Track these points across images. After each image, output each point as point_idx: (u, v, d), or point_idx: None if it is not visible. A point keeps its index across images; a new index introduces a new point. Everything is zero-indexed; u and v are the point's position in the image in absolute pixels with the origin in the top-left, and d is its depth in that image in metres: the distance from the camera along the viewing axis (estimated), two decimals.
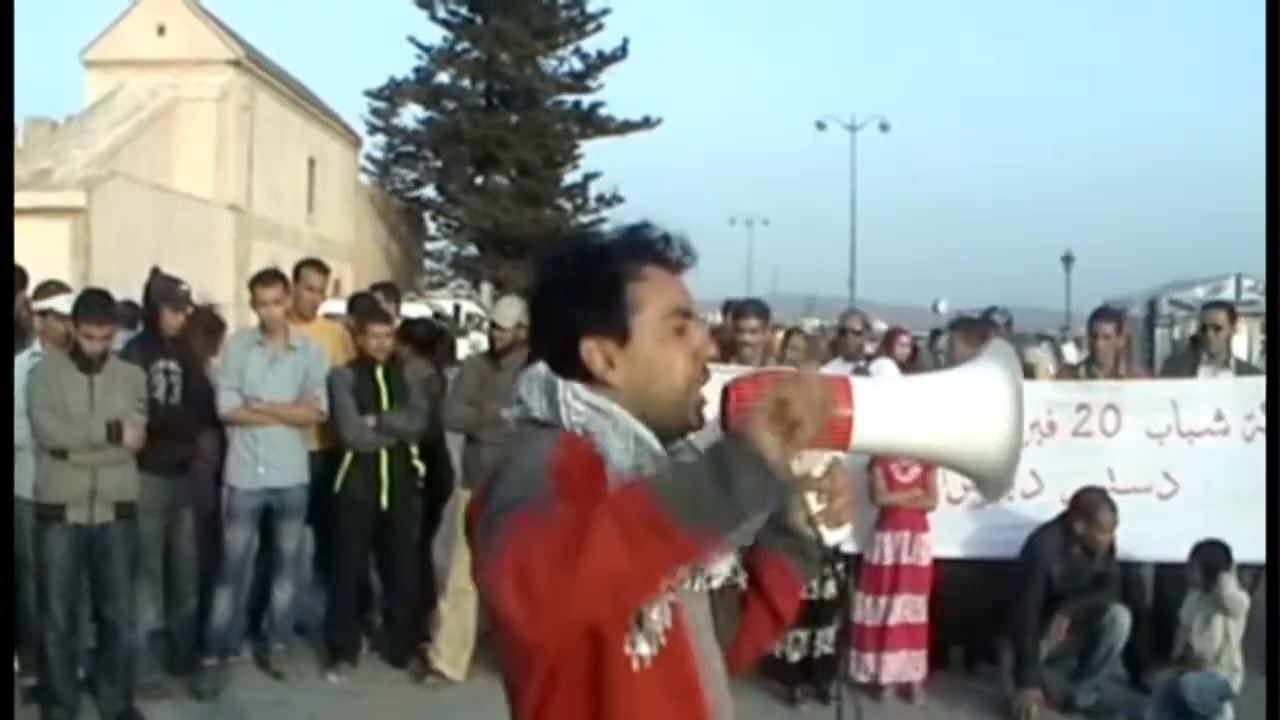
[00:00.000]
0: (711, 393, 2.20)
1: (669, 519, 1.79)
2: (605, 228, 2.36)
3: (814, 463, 2.23)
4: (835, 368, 8.59)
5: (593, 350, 2.17)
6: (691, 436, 2.25)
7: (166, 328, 7.62)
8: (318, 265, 8.92)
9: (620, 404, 2.15)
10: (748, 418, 1.92)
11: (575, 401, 2.14)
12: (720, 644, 2.25)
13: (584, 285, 2.19)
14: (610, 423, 2.13)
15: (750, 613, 2.35)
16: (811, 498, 2.27)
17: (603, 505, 1.81)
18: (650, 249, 2.24)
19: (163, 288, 7.86)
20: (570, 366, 2.17)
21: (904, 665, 7.52)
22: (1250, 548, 7.39)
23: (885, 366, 9.16)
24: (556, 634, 1.80)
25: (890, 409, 2.11)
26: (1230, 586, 7.14)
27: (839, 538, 2.32)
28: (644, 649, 2.06)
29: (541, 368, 2.20)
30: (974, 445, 2.13)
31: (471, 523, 2.04)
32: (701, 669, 2.15)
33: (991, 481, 2.21)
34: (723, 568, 2.21)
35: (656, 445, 2.14)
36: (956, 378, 2.23)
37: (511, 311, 7.94)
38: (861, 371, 8.17)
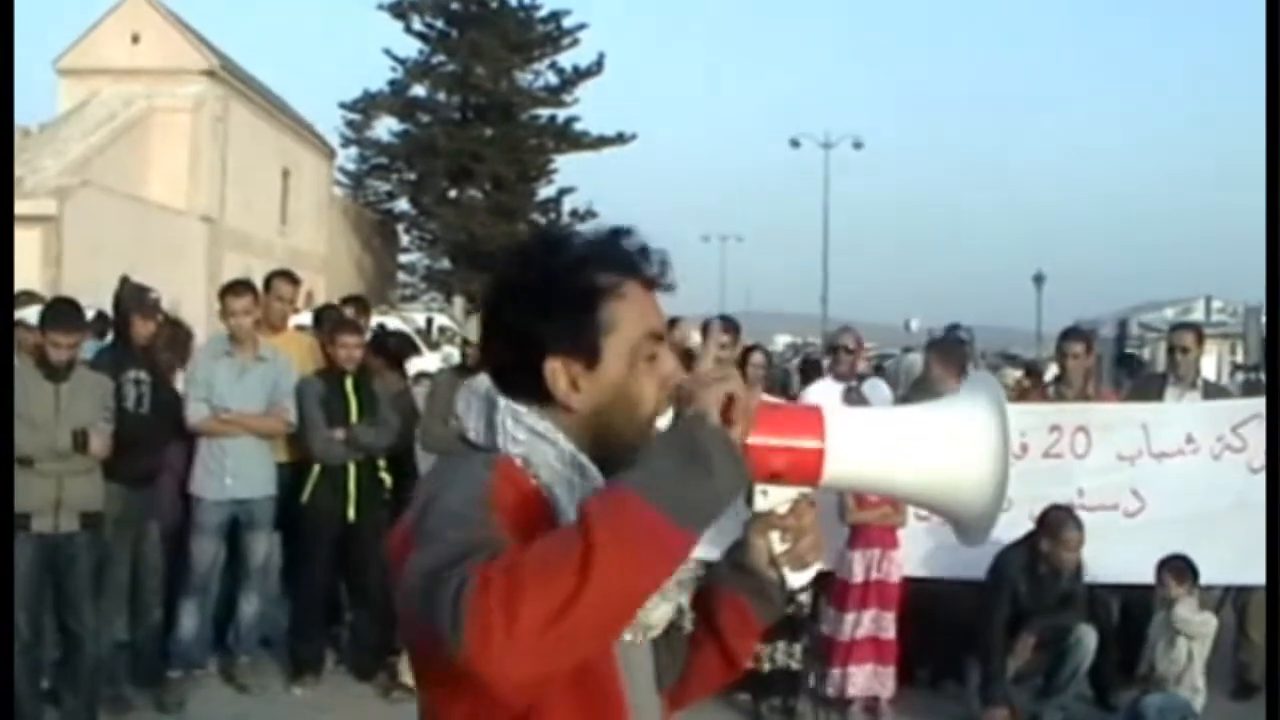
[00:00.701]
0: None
1: (665, 522, 1.66)
2: (581, 228, 2.09)
3: (780, 500, 2.05)
4: (826, 387, 8.57)
5: (557, 371, 1.93)
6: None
7: (137, 336, 7.59)
8: (288, 276, 8.89)
9: (569, 428, 1.94)
10: (699, 409, 1.78)
11: (515, 428, 1.92)
12: (662, 683, 2.08)
13: (555, 296, 1.93)
14: (554, 451, 1.92)
15: (701, 653, 2.16)
16: (775, 537, 2.08)
17: (587, 522, 1.64)
18: (630, 262, 1.98)
19: (133, 295, 7.83)
20: (523, 382, 1.94)
21: (870, 680, 7.50)
22: (1215, 569, 7.43)
23: (878, 386, 9.16)
24: (552, 674, 1.65)
25: (866, 444, 2.00)
26: (1183, 609, 7.19)
27: (803, 580, 2.12)
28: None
29: (483, 382, 1.99)
30: (957, 489, 2.01)
31: (396, 548, 1.82)
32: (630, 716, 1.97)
33: (973, 528, 2.07)
34: (664, 613, 2.00)
35: (599, 479, 1.91)
36: (940, 413, 2.10)
37: None
38: (854, 392, 8.17)
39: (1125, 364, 18.67)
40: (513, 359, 1.96)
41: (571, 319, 1.93)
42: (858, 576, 7.48)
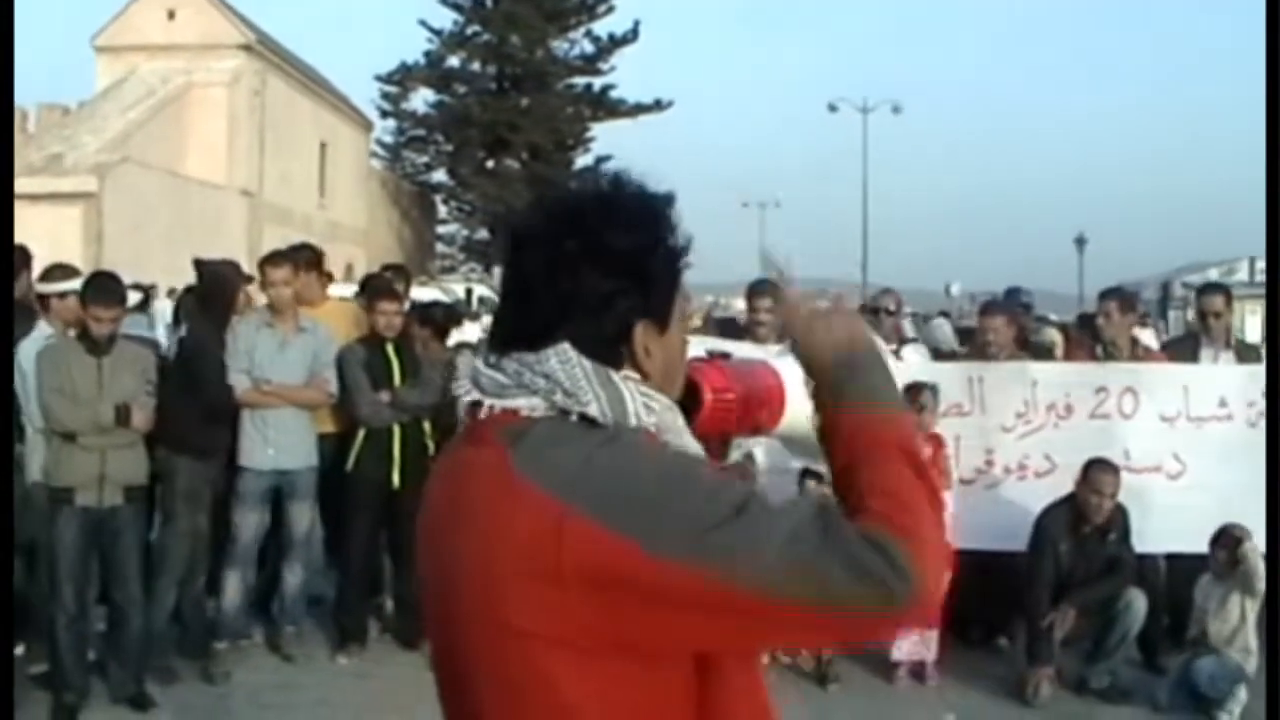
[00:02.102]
0: None
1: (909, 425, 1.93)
2: (620, 185, 1.96)
3: (750, 447, 2.23)
4: None
5: (640, 336, 1.87)
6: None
7: (241, 309, 7.74)
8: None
9: None
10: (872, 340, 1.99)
11: (642, 396, 1.84)
12: None
13: (650, 263, 1.88)
14: (673, 416, 1.90)
15: None
16: None
17: (909, 451, 1.85)
18: (678, 226, 1.95)
19: (233, 271, 8.05)
20: (599, 350, 1.85)
21: (915, 645, 7.47)
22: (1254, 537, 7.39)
23: (920, 351, 9.08)
24: None
25: (797, 391, 2.12)
26: (1254, 557, 7.10)
27: None
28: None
29: (574, 352, 1.83)
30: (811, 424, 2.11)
31: (611, 556, 1.66)
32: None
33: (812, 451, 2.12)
34: None
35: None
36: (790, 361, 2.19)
37: None
38: (895, 355, 8.11)
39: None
40: (595, 325, 1.85)
41: (664, 285, 1.90)
42: None
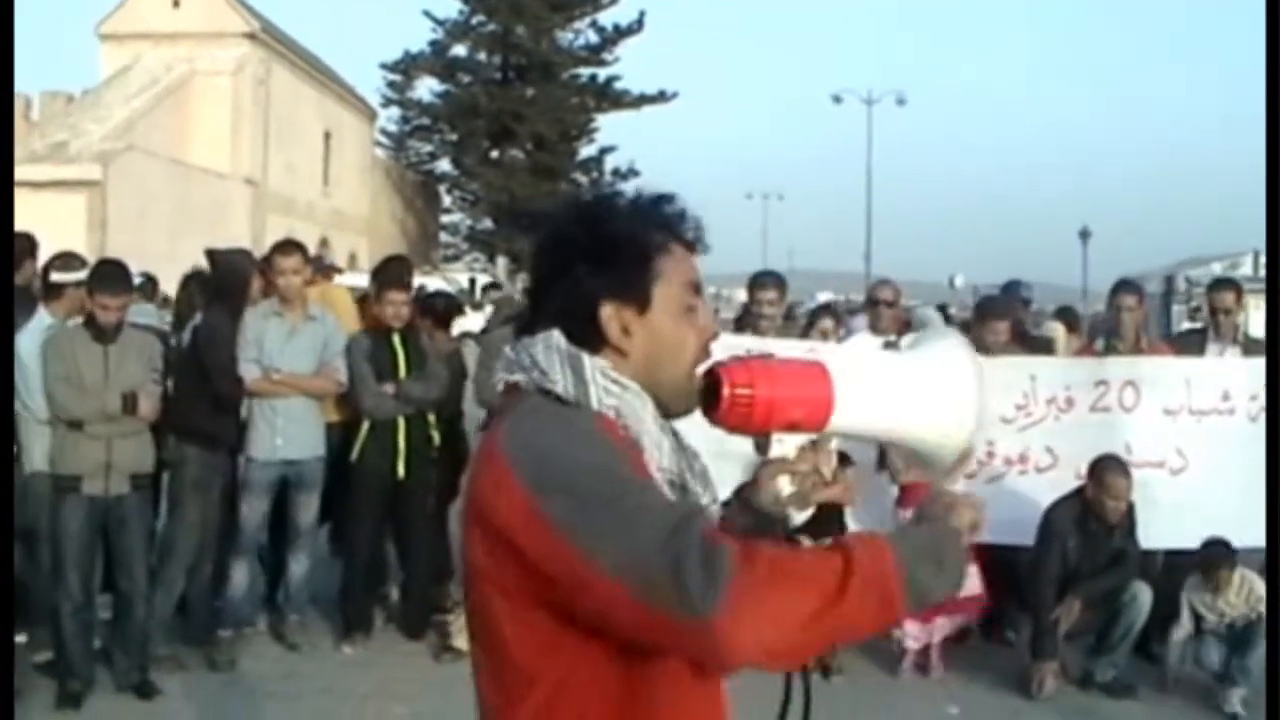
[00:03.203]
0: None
1: (900, 596, 1.83)
2: (626, 192, 2.24)
3: (790, 447, 2.22)
4: (864, 340, 8.49)
5: (611, 316, 2.09)
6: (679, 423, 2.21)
7: (253, 299, 7.77)
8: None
9: (629, 377, 2.09)
10: (958, 526, 2.00)
11: (604, 380, 2.05)
12: None
13: (609, 247, 2.10)
14: (640, 403, 2.07)
15: None
16: (785, 480, 2.26)
17: (851, 557, 1.80)
18: (672, 223, 2.17)
19: (246, 259, 8.07)
20: (580, 332, 2.09)
21: (920, 631, 7.47)
22: (1255, 532, 7.39)
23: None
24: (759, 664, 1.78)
25: (864, 392, 2.13)
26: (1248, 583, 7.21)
27: (803, 517, 2.31)
28: None
29: (558, 337, 2.08)
30: (938, 434, 2.16)
31: (516, 514, 1.90)
32: None
33: (941, 466, 2.21)
34: None
35: (670, 436, 2.12)
36: (922, 360, 2.21)
37: None
38: (892, 346, 8.09)
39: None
40: (569, 310, 2.09)
41: (626, 267, 2.10)
42: None
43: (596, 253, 2.10)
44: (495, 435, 2.05)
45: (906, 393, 2.14)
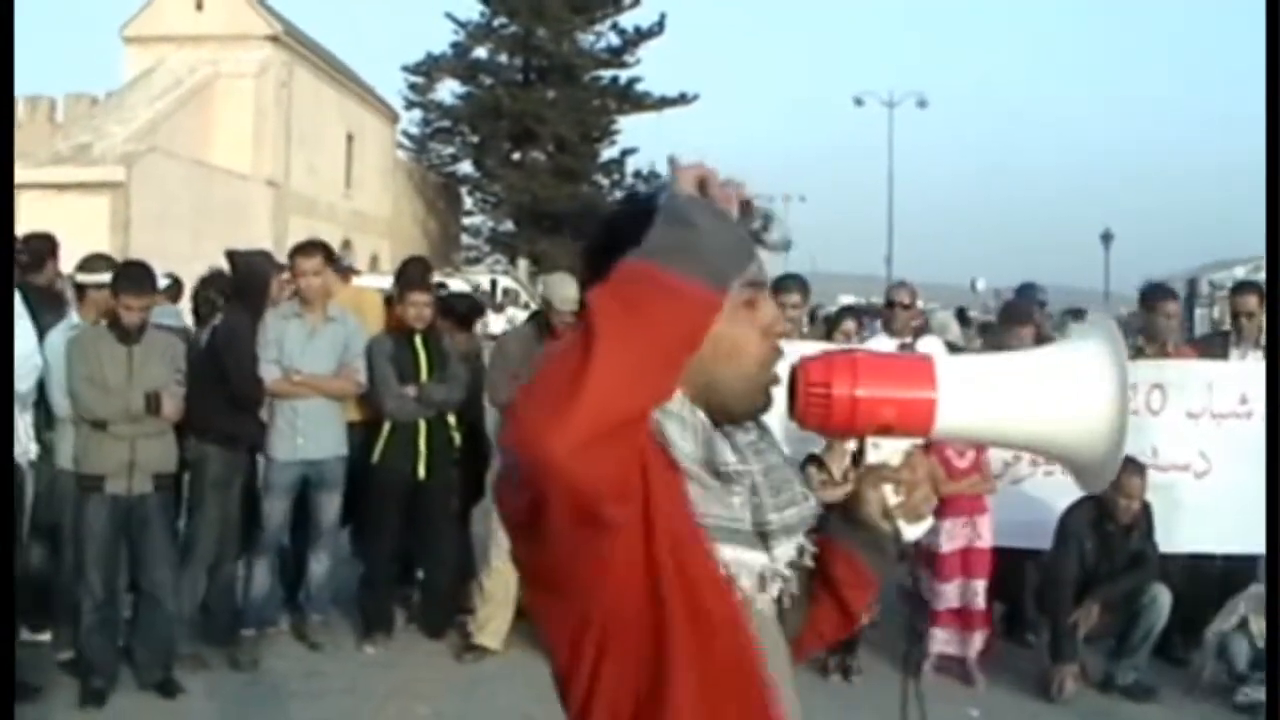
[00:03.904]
0: (782, 371, 2.03)
1: (653, 268, 1.66)
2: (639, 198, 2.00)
3: (892, 452, 2.04)
4: (880, 343, 8.47)
5: None
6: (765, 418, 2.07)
7: (274, 300, 7.82)
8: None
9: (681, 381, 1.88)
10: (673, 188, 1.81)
11: None
12: (788, 635, 2.10)
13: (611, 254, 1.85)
14: (676, 399, 1.91)
15: (819, 607, 2.15)
16: (889, 490, 2.06)
17: (588, 298, 1.66)
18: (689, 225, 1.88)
19: (266, 261, 8.09)
20: None
21: (958, 646, 7.46)
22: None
23: (933, 344, 9.03)
24: (594, 456, 1.60)
25: (978, 391, 1.96)
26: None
27: (917, 532, 2.10)
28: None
29: None
30: (1075, 431, 1.95)
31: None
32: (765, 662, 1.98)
33: (1092, 471, 2.01)
34: (786, 550, 2.02)
35: (711, 429, 1.96)
36: (1054, 355, 2.04)
37: (568, 291, 7.69)
38: (908, 349, 8.08)
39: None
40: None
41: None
42: (944, 546, 7.41)
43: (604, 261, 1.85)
44: None
45: (1034, 389, 1.97)
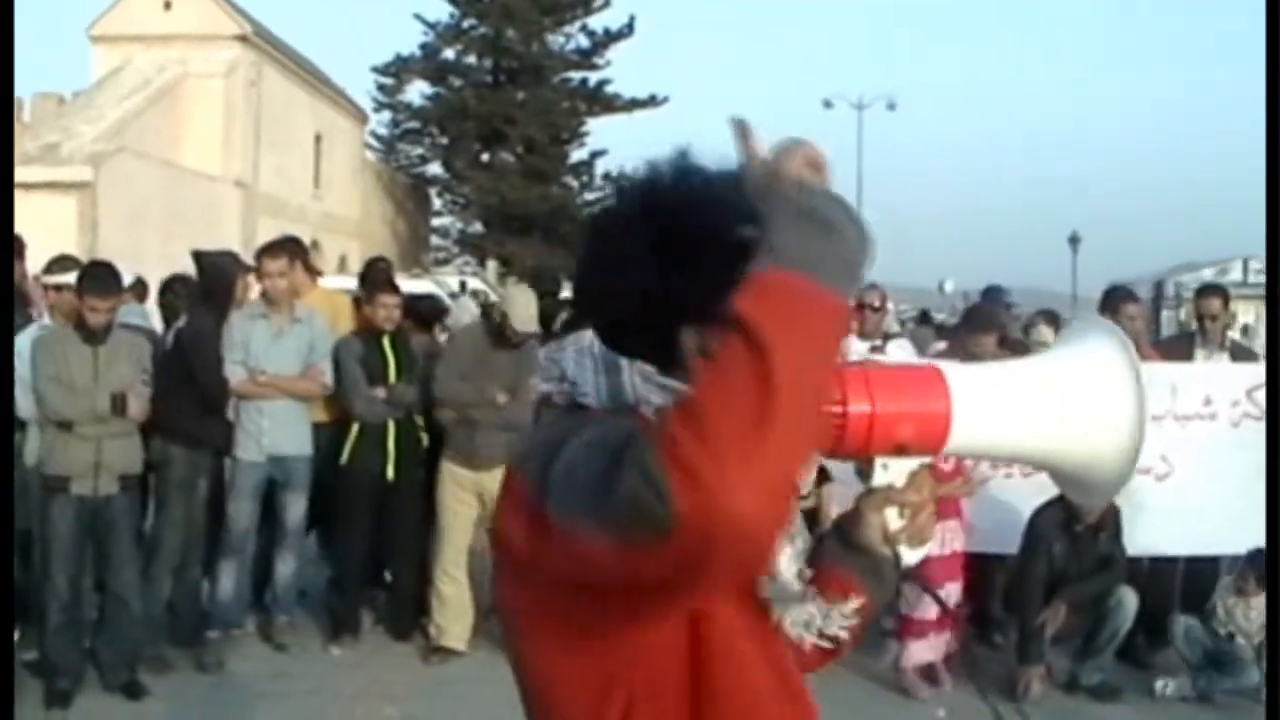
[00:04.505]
0: None
1: (814, 287, 1.48)
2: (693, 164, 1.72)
3: (898, 473, 1.88)
4: (851, 346, 8.44)
5: (692, 338, 1.66)
6: None
7: (240, 302, 7.83)
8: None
9: None
10: (788, 176, 1.62)
11: (647, 388, 1.72)
12: None
13: (706, 254, 1.64)
14: None
15: None
16: (892, 512, 1.91)
17: (743, 319, 1.43)
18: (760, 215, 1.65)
19: (232, 261, 8.12)
20: (642, 344, 1.73)
21: (926, 652, 7.46)
22: (1237, 539, 7.44)
23: (904, 346, 9.03)
24: (781, 509, 1.43)
25: (994, 404, 1.80)
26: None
27: (918, 556, 1.96)
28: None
29: (591, 340, 1.76)
30: (1093, 447, 1.82)
31: (526, 531, 1.65)
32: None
33: (1103, 489, 1.90)
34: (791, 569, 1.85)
35: None
36: (1066, 362, 1.88)
37: (529, 311, 7.57)
38: (879, 351, 8.08)
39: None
40: (636, 318, 1.70)
41: (721, 284, 1.55)
42: (932, 553, 7.35)
43: (683, 256, 1.66)
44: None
45: (1047, 401, 1.82)
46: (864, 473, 1.90)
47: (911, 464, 1.88)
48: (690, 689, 1.69)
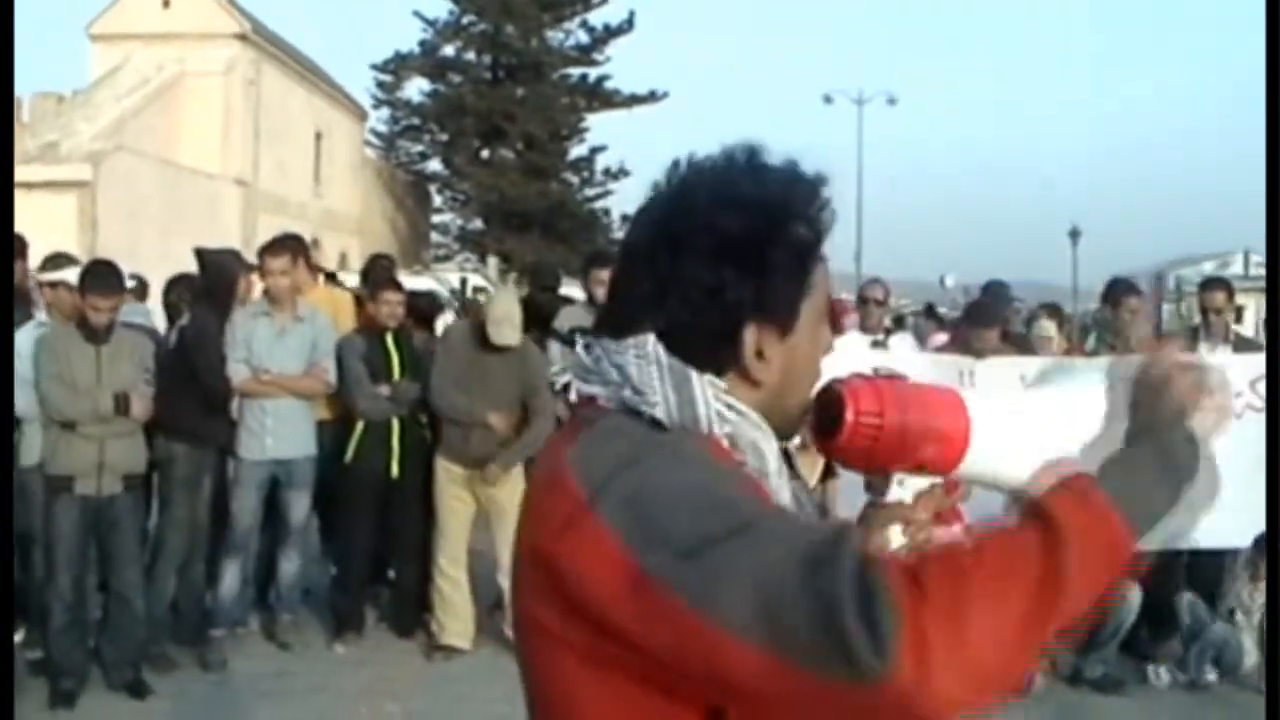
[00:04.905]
0: None
1: (1129, 539, 1.47)
2: (752, 158, 1.69)
3: (909, 490, 1.86)
4: (853, 339, 8.44)
5: (752, 339, 1.63)
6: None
7: (243, 299, 7.87)
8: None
9: (749, 404, 1.65)
10: (1180, 410, 1.64)
11: (717, 403, 1.62)
12: None
13: (770, 251, 1.62)
14: (760, 436, 1.64)
15: None
16: (896, 530, 1.87)
17: (1056, 527, 1.39)
18: (822, 219, 1.68)
19: (234, 260, 8.18)
20: (697, 347, 1.64)
21: None
22: (1234, 532, 7.44)
23: (907, 340, 9.02)
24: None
25: (1003, 430, 1.78)
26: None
27: None
28: None
29: (655, 346, 1.63)
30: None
31: (608, 572, 1.44)
32: None
33: None
34: None
35: (786, 469, 1.70)
36: (1081, 399, 1.85)
37: (508, 317, 7.54)
38: (880, 345, 8.08)
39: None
40: (695, 319, 1.63)
41: (787, 280, 1.63)
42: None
43: (750, 255, 1.62)
44: (561, 461, 1.60)
45: (1051, 434, 1.78)
46: (873, 486, 1.87)
47: (922, 483, 1.86)
48: None
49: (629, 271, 1.70)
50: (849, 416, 1.68)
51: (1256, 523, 7.32)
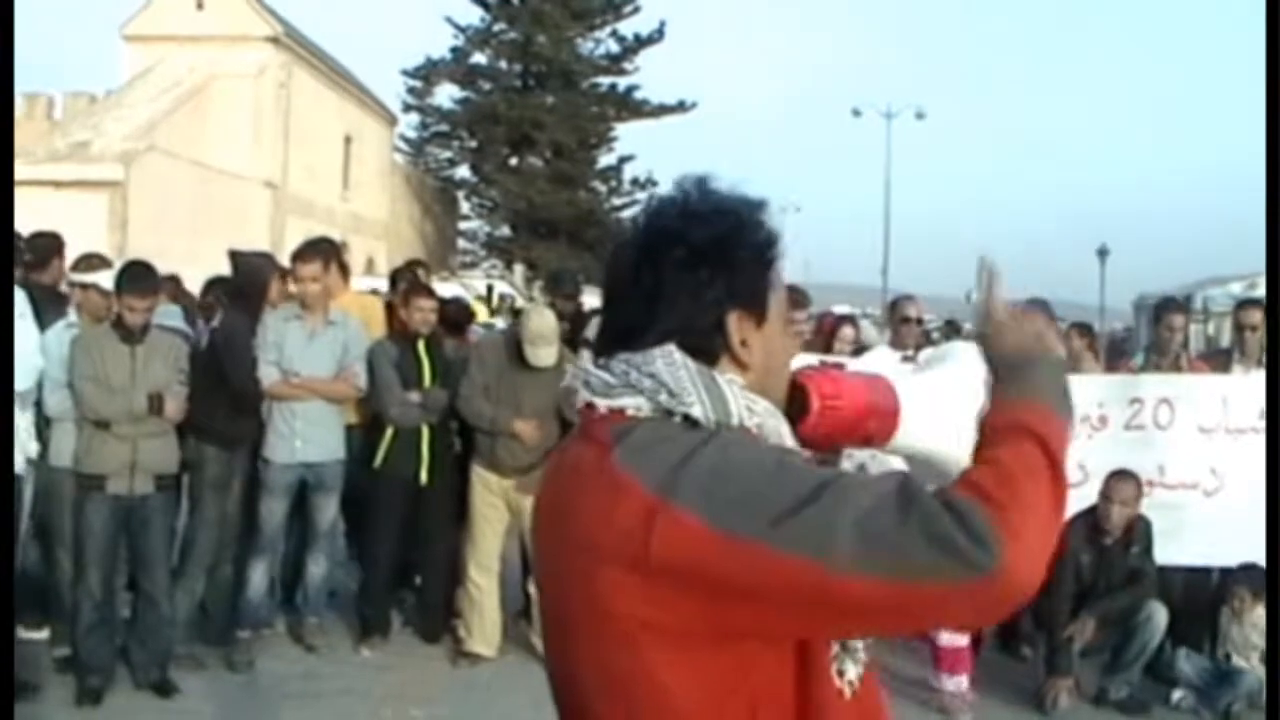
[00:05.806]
0: None
1: (1067, 423, 1.83)
2: (712, 184, 1.98)
3: (860, 459, 2.13)
4: (884, 355, 8.46)
5: (735, 328, 1.88)
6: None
7: (274, 302, 7.88)
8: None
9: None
10: (1059, 354, 1.95)
11: (744, 399, 1.84)
12: None
13: (739, 249, 1.89)
14: (776, 423, 1.89)
15: None
16: (898, 461, 2.13)
17: (1040, 434, 1.75)
18: (774, 223, 1.99)
19: (266, 262, 8.23)
20: (702, 345, 1.87)
21: (960, 681, 7.36)
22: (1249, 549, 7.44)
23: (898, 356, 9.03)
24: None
25: (919, 406, 2.09)
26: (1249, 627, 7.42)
27: None
28: (852, 672, 1.86)
29: (680, 353, 1.84)
30: (962, 453, 1.96)
31: (694, 547, 1.65)
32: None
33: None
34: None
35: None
36: (970, 371, 2.09)
37: (545, 337, 7.61)
38: (909, 360, 8.08)
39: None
40: (689, 320, 1.87)
41: (752, 274, 1.91)
42: None
43: (720, 256, 1.88)
44: (611, 469, 1.77)
45: (949, 408, 2.06)
46: (827, 462, 2.05)
47: (864, 453, 2.23)
48: (798, 699, 1.79)
49: (618, 294, 1.94)
50: (815, 402, 1.99)
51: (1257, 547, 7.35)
